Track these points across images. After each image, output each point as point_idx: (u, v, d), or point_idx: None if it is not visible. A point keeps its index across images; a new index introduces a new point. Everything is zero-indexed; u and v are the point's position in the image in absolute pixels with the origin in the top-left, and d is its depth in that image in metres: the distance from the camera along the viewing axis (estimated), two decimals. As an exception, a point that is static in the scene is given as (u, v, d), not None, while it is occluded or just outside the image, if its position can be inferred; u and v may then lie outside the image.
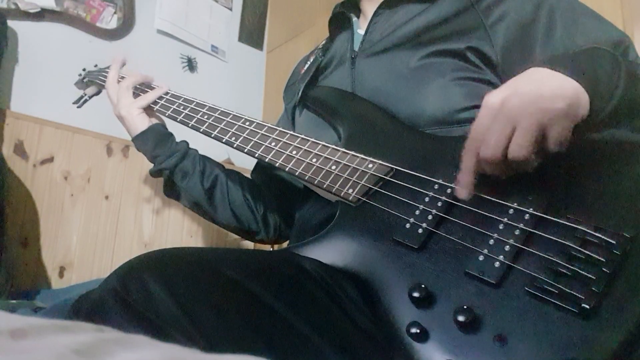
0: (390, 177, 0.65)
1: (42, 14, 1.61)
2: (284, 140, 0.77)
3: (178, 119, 0.93)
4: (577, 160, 0.57)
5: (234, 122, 0.85)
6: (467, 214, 0.57)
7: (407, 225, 0.59)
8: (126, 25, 1.84)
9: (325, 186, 0.69)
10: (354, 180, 0.67)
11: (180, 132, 1.00)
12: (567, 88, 0.53)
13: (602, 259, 0.47)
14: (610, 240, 0.48)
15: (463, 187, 0.57)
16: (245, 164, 1.72)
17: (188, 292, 0.50)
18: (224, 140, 0.84)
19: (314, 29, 2.01)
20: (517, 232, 0.53)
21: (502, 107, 0.52)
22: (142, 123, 0.99)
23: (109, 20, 1.81)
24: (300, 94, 0.91)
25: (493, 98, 0.53)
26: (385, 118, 0.76)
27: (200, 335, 0.47)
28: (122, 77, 1.07)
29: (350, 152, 0.70)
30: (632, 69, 0.60)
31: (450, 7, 0.80)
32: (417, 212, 0.60)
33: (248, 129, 0.82)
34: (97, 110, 1.35)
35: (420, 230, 0.58)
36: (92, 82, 1.20)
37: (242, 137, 0.82)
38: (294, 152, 0.75)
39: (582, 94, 0.53)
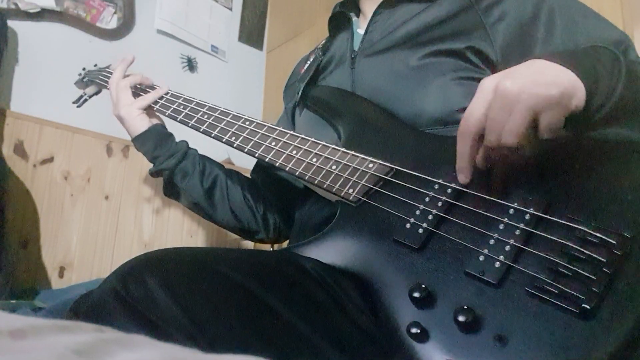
0: (390, 177, 0.65)
1: (42, 14, 1.61)
2: (284, 140, 0.77)
3: (178, 119, 0.93)
4: (577, 160, 0.56)
5: (234, 121, 0.85)
6: (468, 214, 0.57)
7: (408, 225, 0.59)
8: (126, 25, 1.84)
9: (325, 186, 0.69)
10: (354, 180, 0.67)
11: (180, 132, 1.00)
12: (562, 77, 0.53)
13: (603, 259, 0.47)
14: (611, 241, 0.48)
15: (461, 172, 0.58)
16: (245, 164, 1.72)
17: (188, 292, 0.50)
18: (224, 140, 0.84)
19: (314, 29, 2.01)
20: (517, 232, 0.53)
21: (497, 90, 0.52)
22: (141, 124, 0.98)
23: (109, 20, 1.81)
24: (300, 93, 0.91)
25: (488, 81, 0.54)
26: (385, 118, 0.76)
27: (200, 335, 0.47)
28: (126, 76, 1.07)
29: (350, 151, 0.70)
30: (633, 68, 0.60)
31: (450, 6, 0.80)
32: (418, 212, 0.60)
33: (248, 128, 0.82)
34: (97, 110, 1.35)
35: (420, 230, 0.58)
36: (92, 81, 1.20)
37: (242, 137, 0.82)
38: (294, 151, 0.75)
39: (578, 86, 0.53)
